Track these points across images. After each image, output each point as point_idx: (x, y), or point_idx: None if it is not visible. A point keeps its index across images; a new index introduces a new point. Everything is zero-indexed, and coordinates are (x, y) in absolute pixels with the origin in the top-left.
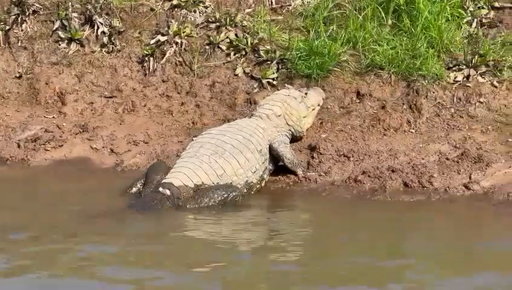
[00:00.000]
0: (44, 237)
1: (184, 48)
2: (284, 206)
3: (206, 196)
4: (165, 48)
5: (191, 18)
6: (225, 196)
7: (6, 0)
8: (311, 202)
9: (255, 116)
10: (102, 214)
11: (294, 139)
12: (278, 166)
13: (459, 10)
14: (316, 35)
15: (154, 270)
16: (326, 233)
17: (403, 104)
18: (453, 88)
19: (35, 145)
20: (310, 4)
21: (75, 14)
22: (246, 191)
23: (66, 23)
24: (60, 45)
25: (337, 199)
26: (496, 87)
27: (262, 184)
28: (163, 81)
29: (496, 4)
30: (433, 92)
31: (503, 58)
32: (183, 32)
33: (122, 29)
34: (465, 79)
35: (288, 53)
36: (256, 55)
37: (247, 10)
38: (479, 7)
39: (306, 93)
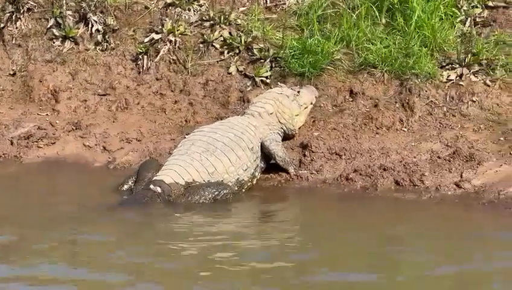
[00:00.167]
0: (35, 234)
1: (178, 46)
2: (274, 204)
3: (197, 193)
4: (159, 46)
5: (185, 16)
6: (216, 193)
7: None
8: (303, 199)
9: (247, 114)
10: (93, 211)
11: (287, 137)
12: (270, 164)
13: (453, 9)
14: (309, 33)
15: (146, 268)
16: (316, 231)
17: (396, 102)
18: (446, 87)
19: (28, 143)
20: (304, 3)
21: (69, 12)
22: (237, 188)
23: (60, 21)
24: (54, 42)
25: (328, 197)
26: (488, 86)
27: (254, 182)
28: (157, 79)
29: (490, 3)
30: (426, 91)
31: (496, 57)
32: (177, 31)
33: (116, 27)
34: (458, 78)
35: (282, 51)
36: (249, 53)
37: (242, 9)
38: (473, 6)
39: (298, 92)
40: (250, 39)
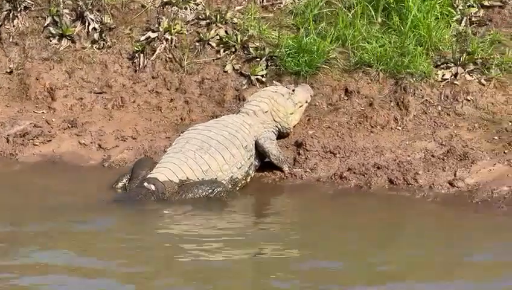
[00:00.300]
0: (29, 231)
1: (174, 45)
2: (268, 202)
3: (191, 191)
4: (155, 45)
5: (181, 15)
6: (210, 191)
7: None
8: (297, 197)
9: (242, 112)
10: (88, 208)
11: (281, 135)
12: (265, 162)
13: (449, 8)
14: (305, 32)
15: (140, 266)
16: (310, 229)
17: (391, 101)
18: (441, 86)
19: (23, 140)
20: (300, 2)
21: (66, 10)
22: (231, 186)
23: (57, 19)
24: (51, 40)
25: (322, 195)
26: (483, 85)
27: (248, 180)
28: (153, 77)
29: (486, 2)
30: (421, 90)
31: (492, 57)
32: (174, 29)
33: (113, 26)
34: (453, 77)
35: (278, 50)
36: (245, 52)
37: (238, 7)
38: (468, 5)
39: (293, 90)
40: (246, 38)
